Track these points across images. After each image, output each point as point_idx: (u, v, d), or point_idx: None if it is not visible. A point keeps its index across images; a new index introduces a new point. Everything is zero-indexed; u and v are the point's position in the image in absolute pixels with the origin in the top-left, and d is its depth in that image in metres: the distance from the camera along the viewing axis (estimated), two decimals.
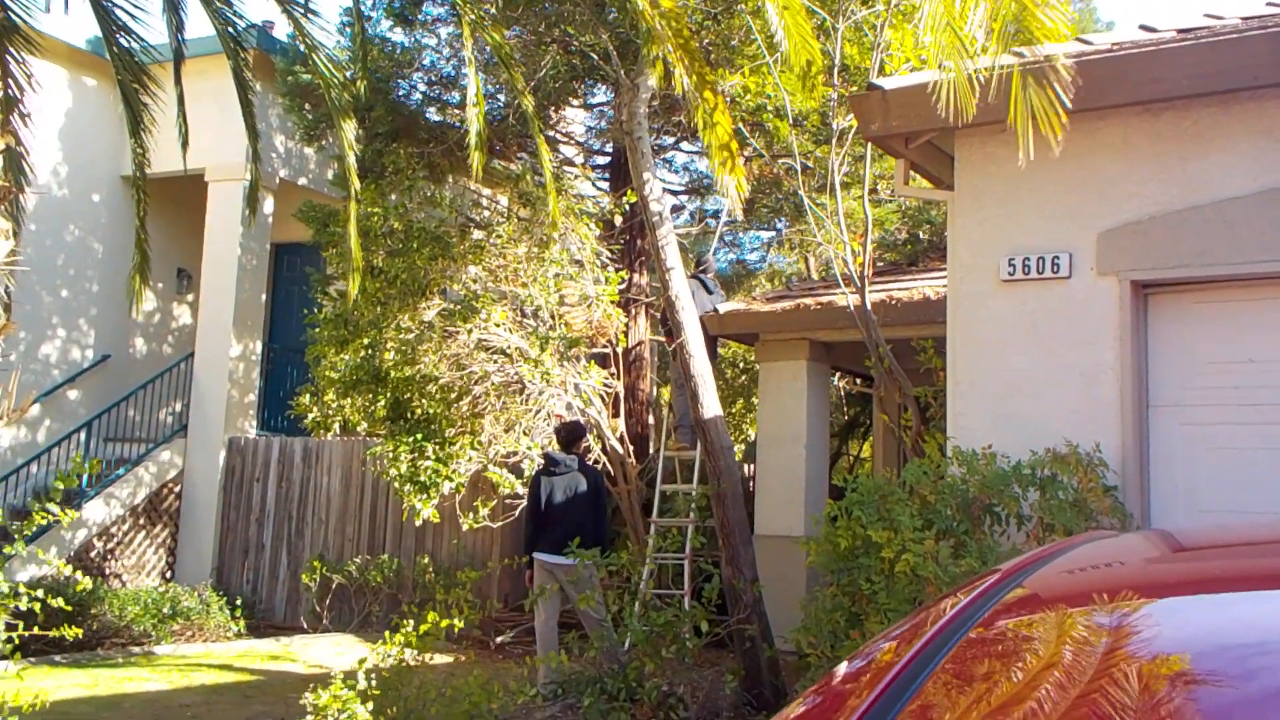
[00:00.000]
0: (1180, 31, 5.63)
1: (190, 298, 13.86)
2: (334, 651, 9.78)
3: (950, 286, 5.88)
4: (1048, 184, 5.61)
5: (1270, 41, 5.10)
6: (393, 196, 10.56)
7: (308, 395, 10.59)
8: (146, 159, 8.10)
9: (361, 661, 5.60)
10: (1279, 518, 4.78)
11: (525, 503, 8.65)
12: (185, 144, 8.18)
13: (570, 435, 8.32)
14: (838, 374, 12.13)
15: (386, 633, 5.93)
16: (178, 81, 7.92)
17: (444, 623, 6.03)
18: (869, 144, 7.76)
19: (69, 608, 5.45)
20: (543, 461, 8.38)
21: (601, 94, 12.63)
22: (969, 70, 4.97)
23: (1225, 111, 5.30)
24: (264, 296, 12.98)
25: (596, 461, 9.32)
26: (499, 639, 9.85)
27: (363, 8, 11.24)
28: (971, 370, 5.68)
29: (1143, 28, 6.03)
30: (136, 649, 9.86)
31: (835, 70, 8.38)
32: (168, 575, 12.01)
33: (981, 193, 5.78)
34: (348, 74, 8.96)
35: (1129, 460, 5.24)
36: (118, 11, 7.55)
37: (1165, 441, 5.34)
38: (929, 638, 1.45)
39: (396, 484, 9.52)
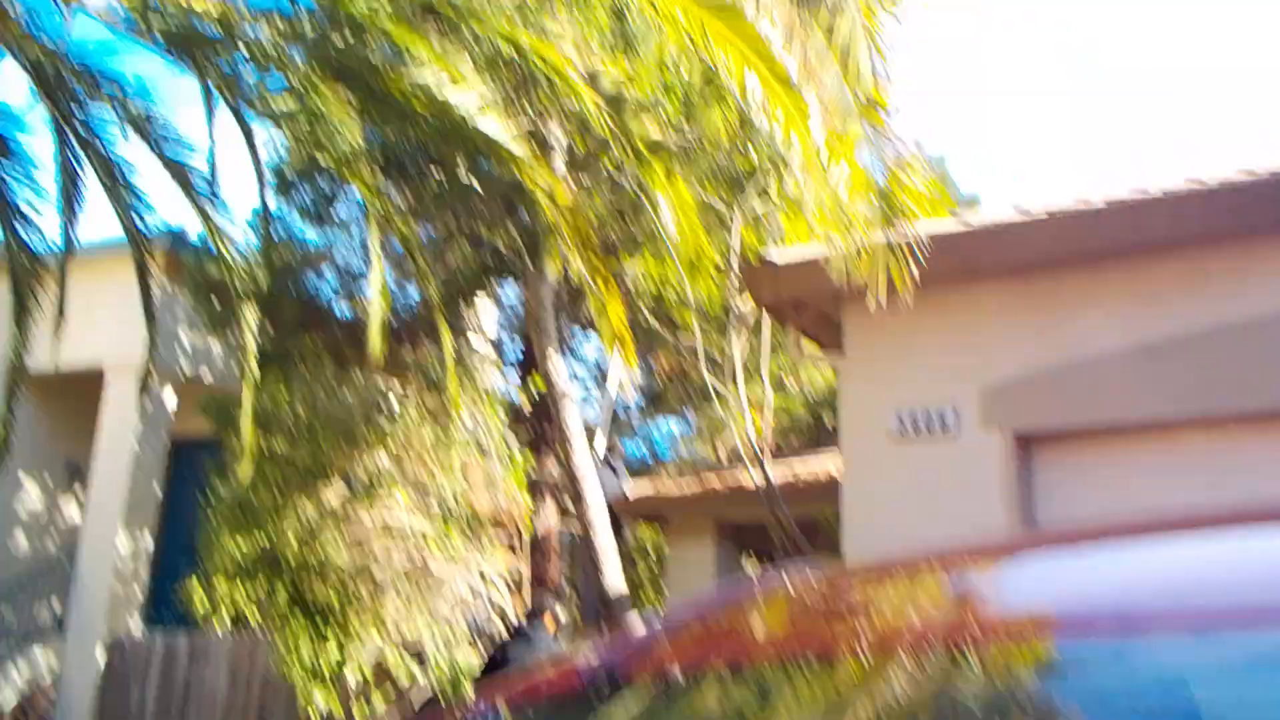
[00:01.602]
0: (1050, 213, 6.03)
1: (81, 491, 13.34)
2: None
3: (843, 445, 5.98)
4: (932, 344, 5.82)
5: (1128, 212, 5.47)
6: (297, 385, 10.47)
7: (196, 582, 10.10)
8: (26, 349, 8.04)
9: None
10: None
11: None
12: (58, 338, 8.16)
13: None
14: (745, 554, 12.02)
15: None
16: (62, 278, 7.96)
17: None
18: (769, 326, 8.03)
19: None
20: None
21: (512, 292, 12.92)
22: (855, 246, 5.28)
23: (1095, 275, 5.61)
24: (160, 492, 12.57)
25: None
26: None
27: (275, 208, 11.51)
28: (866, 524, 5.72)
29: (1016, 209, 6.45)
30: None
31: (733, 255, 8.72)
32: None
33: (869, 354, 5.97)
34: (254, 261, 9.06)
35: None
36: (18, 200, 7.61)
37: None
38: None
39: (299, 681, 9.02)
